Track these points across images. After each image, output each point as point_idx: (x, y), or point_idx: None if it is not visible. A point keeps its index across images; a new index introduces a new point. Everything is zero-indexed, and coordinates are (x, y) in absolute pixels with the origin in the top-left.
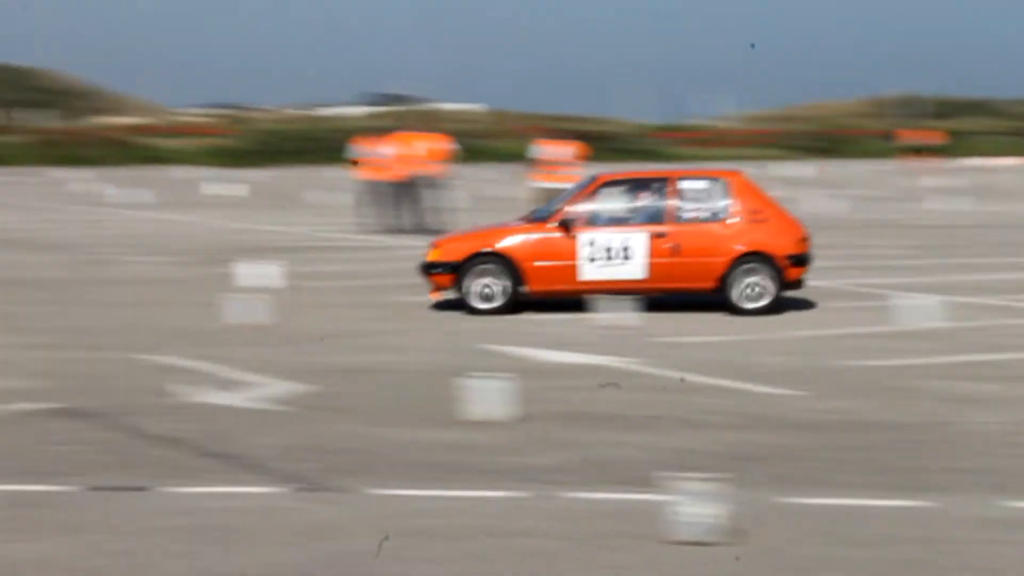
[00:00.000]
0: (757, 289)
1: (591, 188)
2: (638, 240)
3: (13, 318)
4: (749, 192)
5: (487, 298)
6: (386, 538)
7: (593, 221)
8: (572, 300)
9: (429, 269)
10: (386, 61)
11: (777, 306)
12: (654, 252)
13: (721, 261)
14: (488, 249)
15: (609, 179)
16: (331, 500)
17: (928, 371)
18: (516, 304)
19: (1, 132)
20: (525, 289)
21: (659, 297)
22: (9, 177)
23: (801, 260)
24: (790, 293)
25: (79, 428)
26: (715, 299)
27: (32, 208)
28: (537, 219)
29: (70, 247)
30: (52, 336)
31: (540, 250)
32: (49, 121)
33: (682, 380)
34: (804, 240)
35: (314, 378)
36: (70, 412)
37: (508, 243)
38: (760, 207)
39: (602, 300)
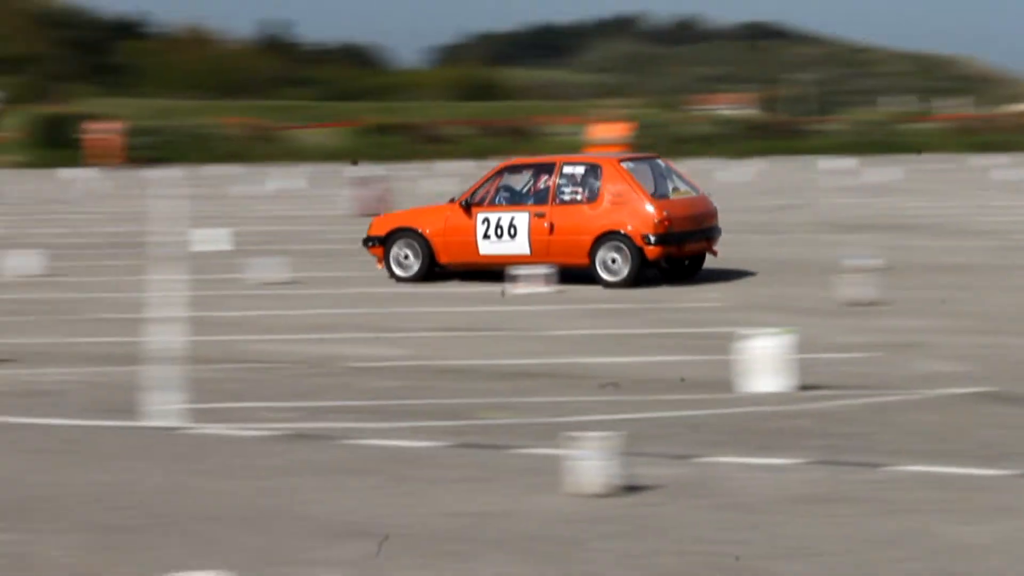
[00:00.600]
0: (616, 264)
1: (495, 171)
2: (521, 219)
3: (941, 303)
4: (618, 177)
5: (405, 268)
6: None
7: (490, 202)
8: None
9: (365, 242)
10: None
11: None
12: (534, 230)
13: (587, 239)
14: (405, 226)
15: (511, 164)
16: None
17: None
18: (434, 274)
19: (918, 119)
20: (438, 261)
21: None
22: (929, 164)
23: (658, 240)
24: None
25: (1013, 413)
26: (587, 273)
27: (953, 194)
28: (452, 200)
29: (994, 233)
30: (979, 321)
31: (447, 227)
32: (965, 108)
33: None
34: (662, 222)
35: None
36: (1002, 397)
37: (422, 221)
38: (624, 190)
39: None
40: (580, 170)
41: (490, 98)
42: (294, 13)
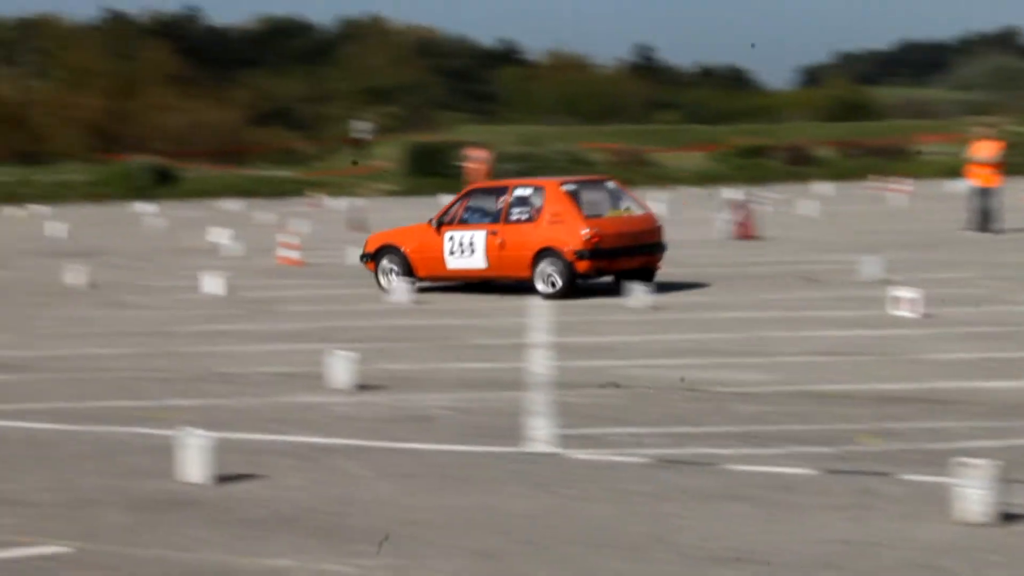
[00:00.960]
0: (552, 278)
1: (462, 194)
2: (479, 237)
3: None
4: (556, 198)
5: (390, 281)
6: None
7: (458, 221)
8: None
9: (361, 258)
10: None
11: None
12: (489, 247)
13: (529, 254)
14: (390, 244)
15: (476, 187)
16: None
17: None
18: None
19: None
20: (416, 275)
21: None
22: None
23: (587, 255)
24: None
25: None
26: (529, 285)
27: None
28: (429, 220)
29: None
30: None
31: (421, 244)
32: None
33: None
34: (590, 239)
35: None
36: None
37: (402, 239)
38: (560, 210)
39: None
40: (528, 192)
41: (860, 118)
42: (662, 37)
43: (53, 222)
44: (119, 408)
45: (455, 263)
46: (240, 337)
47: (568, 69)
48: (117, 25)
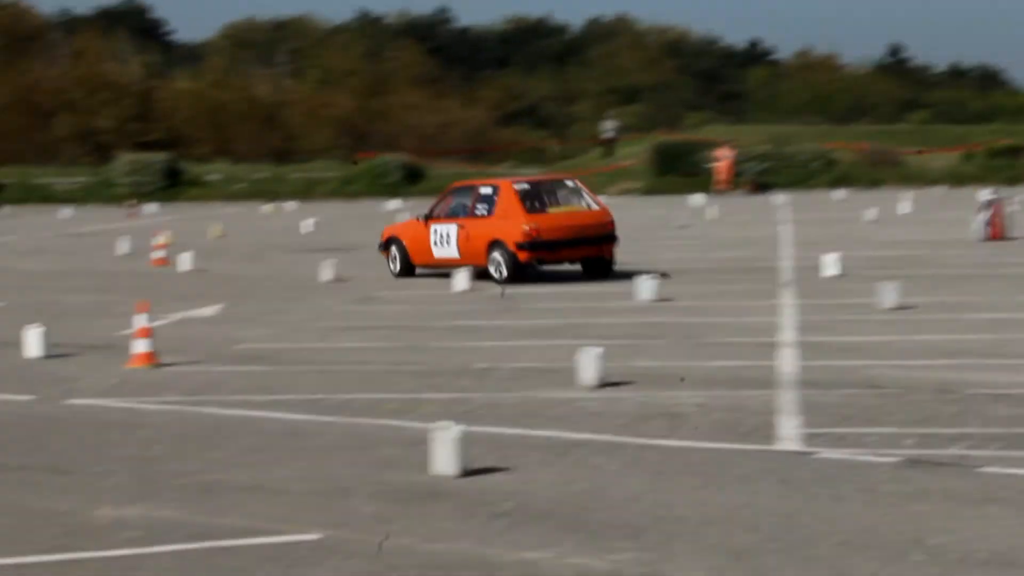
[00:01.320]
0: (499, 266)
1: (447, 191)
2: (452, 230)
3: None
4: (507, 196)
5: (395, 266)
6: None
7: (443, 215)
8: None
9: (379, 246)
10: None
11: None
12: (460, 239)
13: (483, 245)
14: (393, 235)
15: (457, 186)
16: None
17: None
18: (411, 271)
19: None
20: (412, 263)
21: None
22: None
23: (527, 246)
24: None
25: None
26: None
27: None
28: (421, 215)
29: None
30: None
31: (415, 236)
32: None
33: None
34: (529, 232)
35: None
36: None
37: (403, 231)
38: (508, 207)
39: None
40: (488, 191)
41: None
42: (915, 36)
43: (304, 218)
44: (372, 400)
45: (439, 252)
46: (488, 332)
47: (817, 69)
48: (369, 26)
